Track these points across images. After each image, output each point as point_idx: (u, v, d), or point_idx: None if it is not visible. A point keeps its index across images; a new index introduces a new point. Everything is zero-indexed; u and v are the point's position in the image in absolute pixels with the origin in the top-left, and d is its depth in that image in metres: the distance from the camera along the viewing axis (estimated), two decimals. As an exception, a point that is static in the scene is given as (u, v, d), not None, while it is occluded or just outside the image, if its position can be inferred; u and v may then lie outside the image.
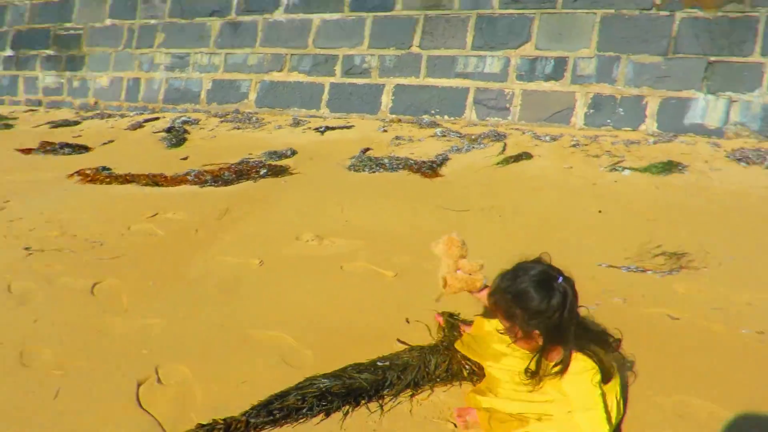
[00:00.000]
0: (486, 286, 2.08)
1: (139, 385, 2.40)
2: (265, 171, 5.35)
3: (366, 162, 5.43)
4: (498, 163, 5.31)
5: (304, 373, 2.45)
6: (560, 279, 1.74)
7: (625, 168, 4.99)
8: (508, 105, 6.72)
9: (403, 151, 5.87)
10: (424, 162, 5.37)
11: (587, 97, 6.34)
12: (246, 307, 3.03)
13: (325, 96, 7.68)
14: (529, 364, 1.88)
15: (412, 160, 5.44)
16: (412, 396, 2.33)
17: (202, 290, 3.22)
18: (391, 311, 2.96)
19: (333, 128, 6.99)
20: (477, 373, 2.40)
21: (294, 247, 3.78)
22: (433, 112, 7.07)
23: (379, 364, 2.46)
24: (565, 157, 5.41)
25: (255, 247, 3.75)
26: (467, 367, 2.42)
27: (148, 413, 2.24)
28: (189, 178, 5.21)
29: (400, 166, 5.31)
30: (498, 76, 6.76)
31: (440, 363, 2.44)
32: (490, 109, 6.79)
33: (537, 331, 1.78)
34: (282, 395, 2.33)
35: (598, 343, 1.85)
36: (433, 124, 6.77)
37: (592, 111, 6.34)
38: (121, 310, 3.02)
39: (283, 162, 5.75)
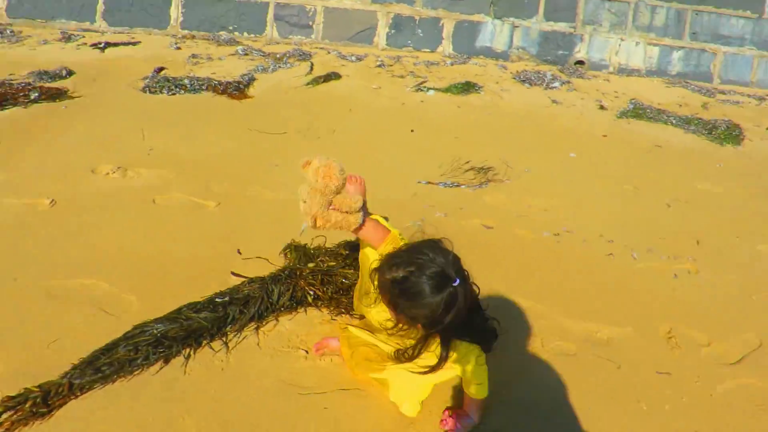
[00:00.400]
0: (362, 225, 1.83)
1: None
2: (37, 94, 4.49)
3: (163, 83, 4.85)
4: (308, 84, 5.16)
5: (131, 321, 2.20)
6: (457, 281, 1.58)
7: (429, 88, 5.23)
8: (310, 23, 6.49)
9: (203, 71, 5.38)
10: (229, 83, 4.99)
11: (388, 17, 6.41)
12: (41, 256, 2.59)
13: (100, 5, 6.62)
14: (407, 350, 1.83)
15: (215, 80, 5.02)
16: (257, 329, 2.24)
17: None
18: (219, 244, 2.78)
19: (115, 44, 6.09)
20: (321, 298, 2.40)
21: (92, 182, 3.29)
22: (231, 28, 6.54)
23: (217, 300, 2.31)
24: (373, 78, 5.47)
25: (41, 186, 3.18)
26: (311, 293, 2.39)
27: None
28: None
29: (203, 87, 4.86)
30: (299, -9, 6.47)
31: (284, 292, 2.37)
32: (292, 26, 6.50)
33: (420, 325, 1.65)
34: (109, 348, 2.07)
35: (479, 341, 1.78)
36: (233, 42, 6.29)
37: (393, 31, 6.45)
38: None
39: (59, 84, 4.88)
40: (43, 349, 2.07)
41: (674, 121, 5.04)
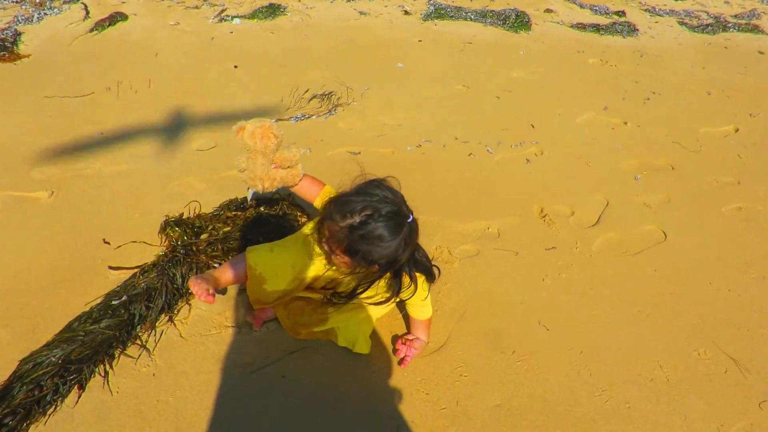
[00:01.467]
0: (303, 176, 1.78)
1: None
2: None
3: None
4: (91, 30, 4.42)
5: (12, 358, 1.84)
6: (410, 218, 1.60)
7: (233, 17, 4.81)
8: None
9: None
10: (-11, 42, 4.08)
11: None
12: None
13: None
14: (341, 293, 1.84)
15: (-33, 42, 4.07)
16: (170, 320, 2.03)
17: None
18: (75, 239, 2.38)
19: None
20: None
21: None
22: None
23: (114, 302, 2.02)
24: (165, 13, 4.86)
25: None
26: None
27: None
28: None
29: (-46, 53, 3.92)
30: None
31: (186, 273, 2.15)
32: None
33: (377, 266, 1.64)
34: (3, 395, 1.73)
35: (424, 272, 1.82)
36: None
37: (168, -44, 5.72)
38: None
39: None
40: None
41: (472, 17, 5.36)
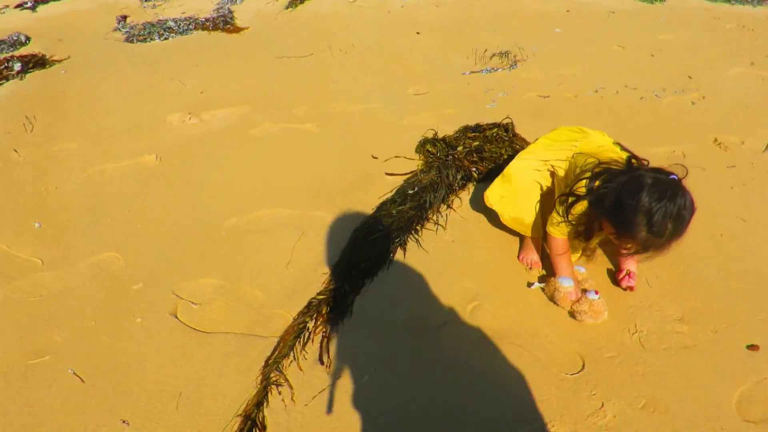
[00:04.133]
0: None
1: None
2: (19, 65, 4.15)
3: (149, 29, 4.63)
4: (287, 8, 5.15)
5: (338, 228, 2.49)
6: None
7: (401, -7, 5.44)
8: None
9: (169, 12, 5.12)
10: (214, 18, 4.84)
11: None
12: (209, 198, 2.73)
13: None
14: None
15: (199, 18, 4.88)
16: (448, 207, 2.62)
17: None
18: (349, 155, 3.01)
19: (44, 1, 5.55)
20: (482, 172, 2.80)
21: (178, 131, 3.28)
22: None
23: (410, 192, 2.64)
24: (340, -8, 5.55)
25: (129, 145, 3.17)
26: (475, 169, 2.79)
27: None
28: None
29: (191, 27, 4.70)
30: None
31: (455, 174, 2.75)
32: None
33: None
34: (352, 252, 2.36)
35: None
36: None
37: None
38: None
39: (26, 50, 4.49)
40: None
41: (610, -11, 5.73)
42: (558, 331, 2.00)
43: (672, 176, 1.69)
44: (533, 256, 2.27)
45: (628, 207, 1.66)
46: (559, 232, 2.01)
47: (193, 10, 5.14)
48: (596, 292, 2.03)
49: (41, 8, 5.49)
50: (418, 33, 4.63)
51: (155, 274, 2.26)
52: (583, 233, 1.96)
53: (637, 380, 1.82)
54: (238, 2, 5.30)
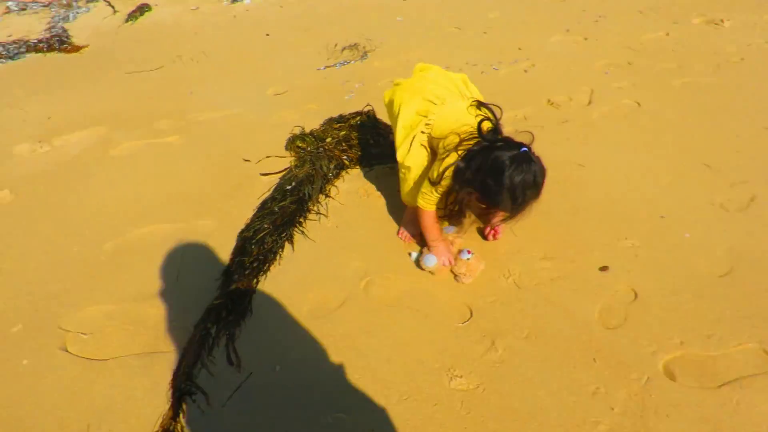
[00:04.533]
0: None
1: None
2: None
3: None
4: (126, 21, 4.92)
5: (226, 235, 2.51)
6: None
7: (243, -2, 5.41)
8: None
9: (-6, 38, 4.70)
10: (48, 38, 4.51)
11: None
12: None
13: None
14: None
15: (31, 40, 4.50)
16: (327, 196, 2.72)
17: None
18: (220, 162, 3.02)
19: None
20: (353, 159, 2.93)
21: (30, 160, 3.08)
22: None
23: (288, 187, 2.69)
24: (180, 1, 5.39)
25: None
26: (346, 157, 2.91)
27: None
28: None
29: (22, 50, 4.33)
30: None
31: (328, 165, 2.85)
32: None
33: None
34: (242, 252, 2.39)
35: None
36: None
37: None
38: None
39: None
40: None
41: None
42: (444, 289, 2.18)
43: (523, 148, 1.90)
44: (411, 231, 2.44)
45: (494, 188, 1.88)
46: (427, 204, 2.19)
47: (22, 32, 4.74)
48: (469, 252, 2.23)
49: None
50: (267, 34, 4.65)
51: (35, 312, 2.13)
52: (456, 213, 2.16)
53: (517, 316, 2.05)
54: (71, 20, 4.97)
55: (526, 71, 4.01)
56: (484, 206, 2.06)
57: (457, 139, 2.04)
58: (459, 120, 2.13)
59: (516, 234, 2.44)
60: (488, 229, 2.38)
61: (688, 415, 1.66)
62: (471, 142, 2.01)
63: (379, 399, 1.75)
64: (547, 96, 3.63)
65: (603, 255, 2.31)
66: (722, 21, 4.93)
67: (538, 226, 2.49)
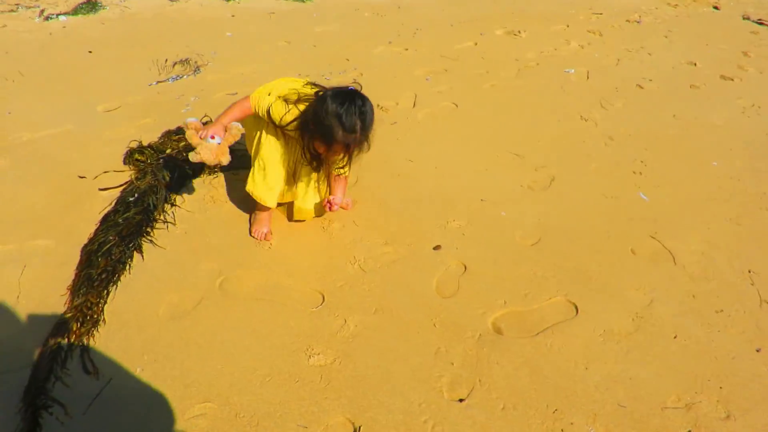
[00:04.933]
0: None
1: None
2: None
3: None
4: None
5: (66, 254, 2.42)
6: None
7: (59, 14, 5.02)
8: None
9: None
10: None
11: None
12: None
13: None
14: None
15: None
16: (172, 205, 2.71)
17: None
18: (55, 184, 2.86)
19: None
20: (195, 169, 2.93)
21: None
22: None
23: (130, 199, 2.64)
24: (-19, 19, 4.88)
25: None
26: (188, 167, 2.91)
27: None
28: None
29: None
30: None
31: (171, 174, 2.83)
32: None
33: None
34: (88, 265, 2.31)
35: None
36: None
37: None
38: None
39: None
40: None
41: (265, -7, 6.24)
42: (298, 279, 2.32)
43: (350, 88, 2.16)
44: (263, 229, 2.54)
45: (322, 118, 2.07)
46: (261, 105, 2.33)
47: None
48: (213, 137, 2.36)
49: None
50: (90, 51, 4.43)
51: None
52: (313, 163, 2.32)
53: (365, 296, 2.26)
54: None
55: (354, 80, 4.27)
56: (324, 148, 2.20)
57: (296, 96, 2.26)
58: (297, 87, 2.34)
59: (358, 224, 2.66)
60: (325, 201, 2.49)
61: (513, 361, 1.99)
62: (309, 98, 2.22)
63: (243, 384, 1.84)
64: (376, 102, 3.92)
65: (435, 236, 2.62)
66: (519, 32, 5.68)
67: (377, 216, 2.73)
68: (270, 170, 2.41)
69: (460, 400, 1.83)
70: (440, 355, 2.01)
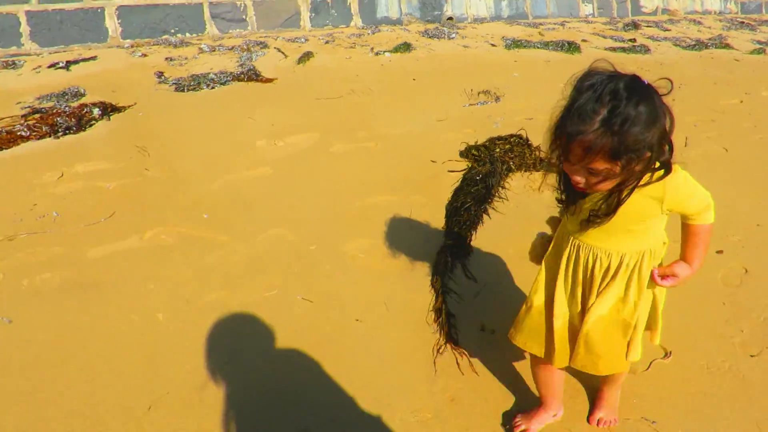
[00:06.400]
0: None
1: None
2: (99, 110, 4.66)
3: (197, 80, 5.28)
4: (298, 63, 6.01)
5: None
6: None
7: (383, 51, 6.46)
8: (244, 16, 7.07)
9: (197, 69, 5.78)
10: (243, 72, 5.59)
11: (308, 3, 7.33)
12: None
13: (25, 28, 6.26)
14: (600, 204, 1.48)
15: (233, 72, 5.60)
16: (502, 188, 3.56)
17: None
18: (411, 163, 3.90)
19: (75, 62, 5.98)
20: (517, 164, 3.76)
21: (269, 151, 4.02)
22: (172, 31, 6.75)
23: (477, 177, 3.55)
24: (334, 51, 6.47)
25: (231, 167, 3.86)
26: (512, 162, 3.76)
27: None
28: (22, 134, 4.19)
29: (229, 79, 5.42)
30: (220, -10, 6.99)
31: (501, 166, 3.70)
32: (228, 21, 7.00)
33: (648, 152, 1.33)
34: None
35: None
36: (185, 43, 6.59)
37: (314, 14, 7.40)
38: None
39: (85, 100, 4.96)
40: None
41: (539, 45, 7.13)
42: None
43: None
44: None
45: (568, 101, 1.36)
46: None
47: (220, 67, 5.84)
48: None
49: (74, 68, 5.94)
50: (414, 79, 5.65)
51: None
52: (565, 198, 1.60)
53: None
54: (253, 60, 6.07)
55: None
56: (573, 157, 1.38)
57: None
58: None
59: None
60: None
61: None
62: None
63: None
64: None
65: (712, 245, 3.05)
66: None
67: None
68: None
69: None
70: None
